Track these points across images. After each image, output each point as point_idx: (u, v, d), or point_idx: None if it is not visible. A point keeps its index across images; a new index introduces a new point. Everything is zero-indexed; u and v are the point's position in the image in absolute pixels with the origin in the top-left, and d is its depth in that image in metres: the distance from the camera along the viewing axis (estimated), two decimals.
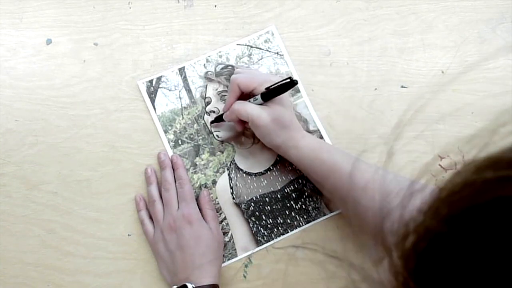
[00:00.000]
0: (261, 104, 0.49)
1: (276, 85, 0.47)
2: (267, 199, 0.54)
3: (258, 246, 0.53)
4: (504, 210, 0.18)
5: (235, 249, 0.53)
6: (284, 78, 0.47)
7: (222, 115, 0.53)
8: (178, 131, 0.55)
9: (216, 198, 0.54)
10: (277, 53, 0.57)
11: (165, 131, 0.55)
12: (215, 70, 0.57)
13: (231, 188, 0.54)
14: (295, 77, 0.57)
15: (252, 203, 0.54)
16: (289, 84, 0.47)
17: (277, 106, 0.49)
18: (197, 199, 0.53)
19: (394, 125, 0.55)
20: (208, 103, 0.56)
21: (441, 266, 0.19)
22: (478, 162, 0.20)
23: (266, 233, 0.54)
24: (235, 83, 0.49)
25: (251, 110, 0.48)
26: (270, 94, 0.48)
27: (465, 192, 0.20)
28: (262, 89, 0.48)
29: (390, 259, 0.21)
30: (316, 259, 0.49)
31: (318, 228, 0.54)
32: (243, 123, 0.52)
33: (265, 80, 0.49)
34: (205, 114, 0.56)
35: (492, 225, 0.18)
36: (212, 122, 0.55)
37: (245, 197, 0.54)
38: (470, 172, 0.20)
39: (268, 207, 0.54)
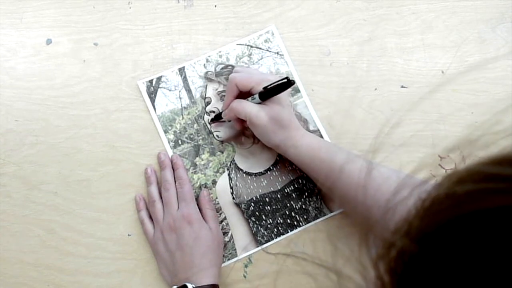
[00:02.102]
0: (259, 103, 0.49)
1: (273, 85, 0.47)
2: (267, 199, 0.54)
3: (258, 246, 0.53)
4: (478, 224, 0.17)
5: (235, 249, 0.53)
6: (282, 78, 0.47)
7: (220, 113, 0.53)
8: (178, 131, 0.55)
9: (216, 198, 0.54)
10: (277, 53, 0.57)
11: (165, 131, 0.55)
12: (215, 70, 0.56)
13: (231, 188, 0.54)
14: (294, 77, 0.57)
15: (252, 203, 0.54)
16: (286, 84, 0.47)
17: (275, 105, 0.48)
18: (197, 199, 0.53)
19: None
20: (208, 103, 0.56)
21: (424, 279, 0.18)
22: (458, 174, 0.19)
23: (266, 233, 0.54)
24: (233, 82, 0.49)
25: (249, 108, 0.48)
26: (268, 93, 0.47)
27: (440, 207, 0.19)
28: (260, 89, 0.48)
29: (377, 271, 0.20)
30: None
31: (318, 228, 0.54)
32: (241, 121, 0.52)
33: (263, 79, 0.48)
34: (205, 114, 0.56)
35: (468, 243, 0.17)
36: (211, 121, 0.55)
37: (245, 197, 0.54)
38: (447, 186, 0.19)
39: (268, 207, 0.54)
